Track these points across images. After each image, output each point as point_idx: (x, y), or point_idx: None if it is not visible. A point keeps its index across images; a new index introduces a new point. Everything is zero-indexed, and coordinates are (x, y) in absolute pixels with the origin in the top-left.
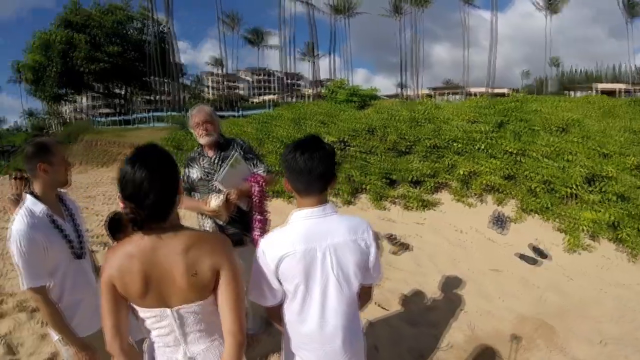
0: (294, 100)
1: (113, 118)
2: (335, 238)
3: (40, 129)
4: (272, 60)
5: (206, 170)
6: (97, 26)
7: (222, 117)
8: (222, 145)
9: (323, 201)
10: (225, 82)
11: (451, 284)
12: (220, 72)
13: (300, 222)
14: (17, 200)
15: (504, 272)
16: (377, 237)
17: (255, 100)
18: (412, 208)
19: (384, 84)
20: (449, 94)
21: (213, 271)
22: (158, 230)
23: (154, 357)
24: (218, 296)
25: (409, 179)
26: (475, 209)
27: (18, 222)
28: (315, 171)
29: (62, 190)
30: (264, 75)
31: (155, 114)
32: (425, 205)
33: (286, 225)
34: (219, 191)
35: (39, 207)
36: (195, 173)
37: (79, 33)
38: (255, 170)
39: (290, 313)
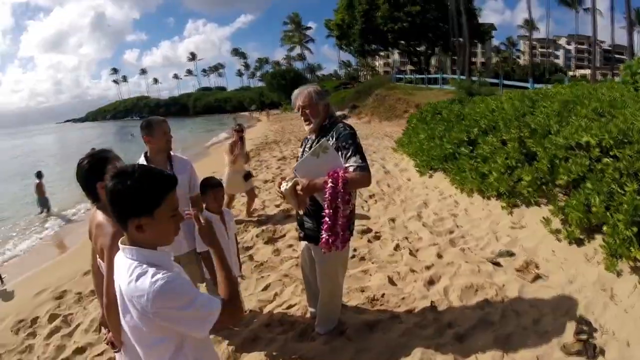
0: (613, 78)
1: (408, 76)
2: (122, 285)
3: (352, 78)
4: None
5: (305, 153)
6: None
7: (512, 87)
8: (325, 129)
9: (130, 241)
10: (538, 49)
11: None
12: (530, 35)
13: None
14: (232, 149)
15: None
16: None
17: (571, 73)
18: None
19: None
20: None
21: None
22: None
23: None
24: None
25: None
26: None
27: None
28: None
29: (173, 152)
30: (586, 44)
31: (445, 76)
32: None
33: None
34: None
35: (142, 163)
36: (300, 153)
37: None
38: (345, 163)
39: None
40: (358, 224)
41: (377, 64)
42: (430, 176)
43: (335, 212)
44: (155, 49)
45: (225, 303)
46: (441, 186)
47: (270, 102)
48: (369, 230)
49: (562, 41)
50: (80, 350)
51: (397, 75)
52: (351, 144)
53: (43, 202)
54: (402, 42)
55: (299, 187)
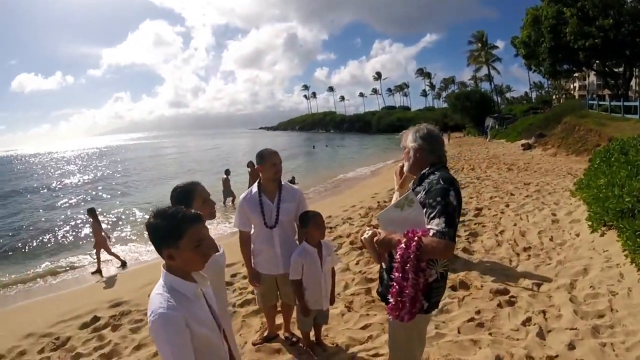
0: None
1: (602, 102)
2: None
3: (544, 101)
4: None
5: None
6: None
7: None
8: (422, 176)
9: (166, 266)
10: None
11: None
12: None
13: None
14: (401, 171)
15: None
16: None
17: None
18: None
19: None
20: None
21: None
22: None
23: None
24: None
25: None
26: None
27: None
28: None
29: (284, 182)
30: None
31: None
32: None
33: None
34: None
35: (254, 189)
36: None
37: (567, 7)
38: (427, 224)
39: None
40: (498, 281)
41: (572, 86)
42: (602, 234)
43: (405, 278)
44: (343, 68)
45: None
46: (611, 250)
47: (454, 124)
48: (505, 292)
49: None
50: None
51: (591, 101)
52: (439, 202)
53: (226, 194)
54: (596, 61)
55: (375, 239)
